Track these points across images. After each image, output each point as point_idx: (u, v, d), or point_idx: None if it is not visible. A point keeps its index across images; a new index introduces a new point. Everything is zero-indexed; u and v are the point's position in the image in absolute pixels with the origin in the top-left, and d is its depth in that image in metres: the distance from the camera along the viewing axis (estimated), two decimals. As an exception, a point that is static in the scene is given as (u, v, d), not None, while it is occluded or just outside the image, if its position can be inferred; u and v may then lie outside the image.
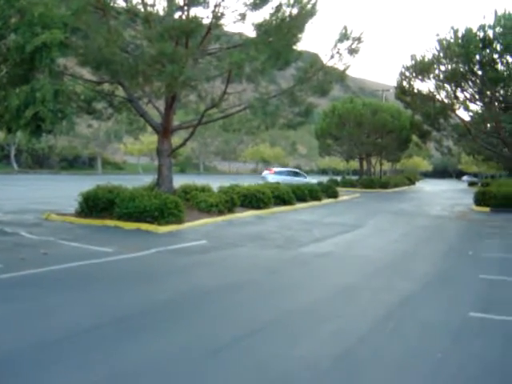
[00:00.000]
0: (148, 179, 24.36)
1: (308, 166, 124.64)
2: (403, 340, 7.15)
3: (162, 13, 18.52)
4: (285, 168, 62.35)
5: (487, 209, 32.31)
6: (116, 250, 12.59)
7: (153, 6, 18.57)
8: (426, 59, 36.23)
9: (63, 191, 30.24)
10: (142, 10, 18.90)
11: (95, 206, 17.98)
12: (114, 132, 67.36)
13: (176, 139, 30.13)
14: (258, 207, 24.01)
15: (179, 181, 24.47)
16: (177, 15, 18.64)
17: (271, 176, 46.28)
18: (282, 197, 27.19)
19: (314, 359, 6.23)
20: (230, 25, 19.22)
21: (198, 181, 25.37)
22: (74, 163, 71.86)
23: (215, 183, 26.49)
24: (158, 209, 16.90)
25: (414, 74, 37.72)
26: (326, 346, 6.76)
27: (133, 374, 5.60)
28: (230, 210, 21.59)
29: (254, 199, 24.11)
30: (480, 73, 34.42)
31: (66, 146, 69.05)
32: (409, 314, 8.48)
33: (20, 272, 9.79)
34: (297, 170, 55.42)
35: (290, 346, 6.70)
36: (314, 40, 35.20)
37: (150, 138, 63.74)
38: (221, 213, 20.59)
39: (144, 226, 16.66)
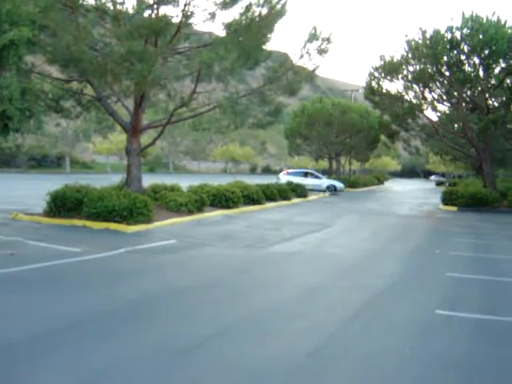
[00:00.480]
0: (117, 179, 24.19)
1: (278, 166, 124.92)
2: (372, 337, 7.22)
3: (131, 11, 18.40)
4: (300, 169, 60.06)
5: (454, 208, 32.75)
6: (84, 250, 12.49)
7: (122, 3, 18.42)
8: (395, 60, 36.48)
9: (31, 190, 29.91)
10: (111, 7, 18.77)
11: (63, 205, 17.82)
12: (83, 131, 66.76)
13: (145, 138, 29.97)
14: (228, 207, 24.00)
15: (148, 180, 24.38)
16: (146, 13, 18.55)
17: (284, 177, 47.20)
18: (252, 196, 27.22)
19: (283, 358, 6.26)
20: (199, 24, 19.21)
21: (168, 180, 25.29)
22: (42, 162, 71.17)
23: (185, 183, 26.43)
24: (127, 208, 16.81)
25: (382, 75, 37.96)
26: (295, 344, 6.79)
27: (97, 376, 5.57)
28: (200, 210, 21.55)
29: (223, 199, 24.10)
30: (448, 74, 34.82)
31: (33, 145, 68.28)
32: (377, 311, 8.57)
33: (-14, 272, 9.68)
34: (311, 171, 54.49)
35: (260, 345, 6.72)
36: (283, 40, 35.31)
37: (118, 137, 63.42)
38: (190, 212, 20.55)
39: (113, 226, 16.56)
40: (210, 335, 6.94)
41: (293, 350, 6.57)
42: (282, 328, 7.48)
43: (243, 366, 5.96)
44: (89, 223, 16.86)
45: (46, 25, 16.14)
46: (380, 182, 79.46)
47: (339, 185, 50.07)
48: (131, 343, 6.53)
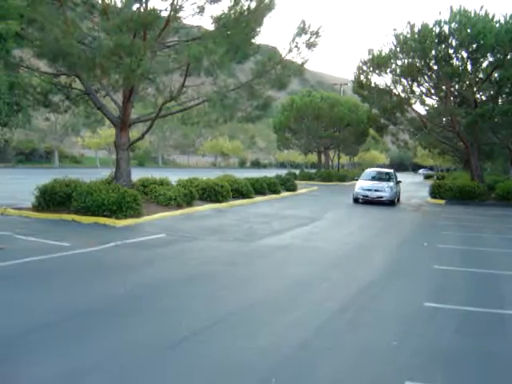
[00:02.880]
0: (106, 173, 24.18)
1: (267, 160, 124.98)
2: (361, 329, 7.29)
3: (119, 4, 18.38)
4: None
5: (442, 201, 32.97)
6: (73, 245, 12.49)
7: (110, -3, 18.41)
8: (383, 54, 36.59)
9: (20, 185, 29.80)
10: (100, 1, 18.73)
11: (52, 199, 17.80)
12: (72, 125, 66.51)
13: (134, 132, 29.91)
14: (217, 200, 24.04)
15: (138, 174, 24.36)
16: (135, 7, 18.48)
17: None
18: (241, 190, 27.28)
19: (273, 350, 6.31)
20: (188, 17, 19.18)
21: (157, 174, 25.27)
22: (30, 157, 70.83)
23: (174, 177, 26.41)
24: (116, 202, 16.81)
25: (371, 69, 38.04)
26: (285, 337, 6.84)
27: (89, 370, 5.60)
28: (189, 204, 21.57)
29: (212, 192, 24.14)
30: (436, 68, 34.96)
31: (22, 140, 67.97)
32: (365, 304, 8.64)
33: (-24, 267, 9.67)
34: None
35: (249, 337, 6.77)
36: (272, 34, 35.27)
37: (107, 132, 63.18)
38: (179, 206, 20.57)
39: (102, 220, 16.55)
40: (200, 328, 6.98)
41: (283, 341, 6.62)
42: (272, 320, 7.53)
43: (232, 359, 6.01)
44: (78, 217, 16.84)
45: (34, 18, 16.08)
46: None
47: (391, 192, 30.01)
48: (121, 337, 6.56)
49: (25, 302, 7.84)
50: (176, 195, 20.67)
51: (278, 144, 67.45)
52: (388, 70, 37.21)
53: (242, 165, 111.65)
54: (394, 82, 37.72)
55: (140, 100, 23.90)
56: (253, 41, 19.98)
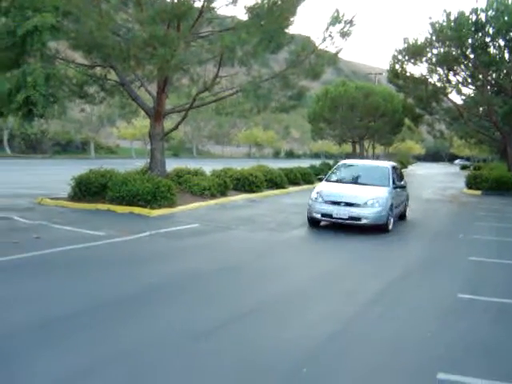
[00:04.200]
0: (141, 163, 24.35)
1: (301, 150, 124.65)
2: (394, 320, 7.25)
3: (153, -4, 18.47)
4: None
5: (479, 192, 32.54)
6: (108, 234, 12.63)
7: (144, -12, 18.49)
8: (419, 42, 36.26)
9: (56, 176, 30.15)
10: (134, -7, 18.83)
11: (88, 189, 18.00)
12: (107, 116, 67.09)
13: (169, 123, 30.06)
14: (251, 191, 24.06)
15: (172, 164, 24.49)
16: (168, -2, 18.57)
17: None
18: (275, 180, 27.27)
19: (303, 341, 6.31)
20: (222, 8, 19.22)
21: (191, 164, 25.37)
22: (66, 148, 71.61)
23: (208, 167, 26.49)
24: (151, 192, 16.93)
25: (406, 58, 37.74)
26: (315, 328, 6.83)
27: (123, 356, 5.67)
28: (223, 194, 21.65)
29: (246, 183, 24.16)
30: (472, 56, 34.53)
31: (58, 131, 68.77)
32: (399, 295, 8.59)
33: (12, 256, 9.81)
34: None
35: (280, 328, 6.77)
36: (306, 23, 34.92)
37: (142, 122, 63.49)
38: (213, 196, 20.64)
39: (136, 210, 16.69)
40: (230, 318, 7.01)
41: (313, 333, 6.61)
42: (303, 312, 7.52)
43: (263, 350, 6.01)
44: (113, 207, 17.01)
45: (69, 11, 16.17)
46: (404, 165, 78.90)
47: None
48: (151, 327, 6.61)
49: (58, 290, 7.95)
50: (210, 185, 20.75)
51: (312, 134, 67.06)
52: (423, 59, 36.89)
53: (276, 155, 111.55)
54: (430, 71, 37.39)
55: (174, 90, 24.02)
56: (286, 30, 19.85)
